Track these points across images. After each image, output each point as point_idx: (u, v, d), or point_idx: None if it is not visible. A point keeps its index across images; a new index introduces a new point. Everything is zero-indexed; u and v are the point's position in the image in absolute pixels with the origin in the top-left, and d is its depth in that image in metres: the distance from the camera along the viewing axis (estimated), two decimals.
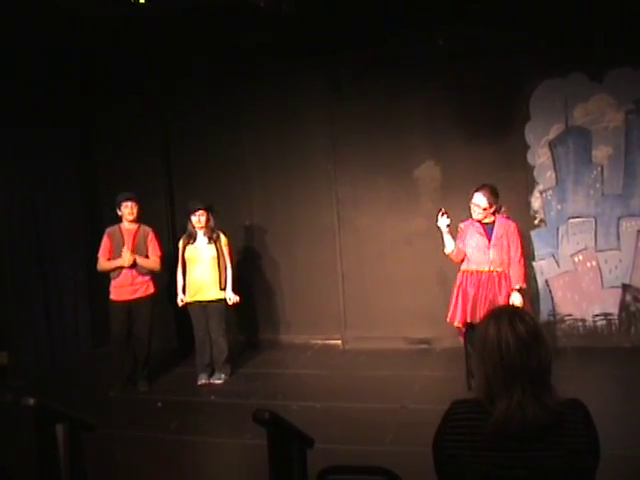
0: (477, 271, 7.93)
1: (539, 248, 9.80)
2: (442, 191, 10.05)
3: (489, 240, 7.85)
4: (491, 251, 7.84)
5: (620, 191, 9.40)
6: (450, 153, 9.93)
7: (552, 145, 9.63)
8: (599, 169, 9.51)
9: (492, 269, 7.86)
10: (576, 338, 9.61)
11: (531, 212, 9.76)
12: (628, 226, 9.47)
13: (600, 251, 9.59)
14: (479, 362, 2.67)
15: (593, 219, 9.58)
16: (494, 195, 7.91)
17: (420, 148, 10.08)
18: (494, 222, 7.92)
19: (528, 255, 9.70)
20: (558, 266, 9.78)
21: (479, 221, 7.92)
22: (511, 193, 9.52)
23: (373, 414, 7.70)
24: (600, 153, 9.48)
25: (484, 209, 7.84)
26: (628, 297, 9.55)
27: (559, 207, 9.69)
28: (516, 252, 7.88)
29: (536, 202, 9.75)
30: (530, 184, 9.70)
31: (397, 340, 10.17)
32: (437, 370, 9.08)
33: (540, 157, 9.68)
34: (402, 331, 10.19)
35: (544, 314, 9.78)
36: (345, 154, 10.37)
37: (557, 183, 9.67)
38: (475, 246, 7.92)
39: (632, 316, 9.54)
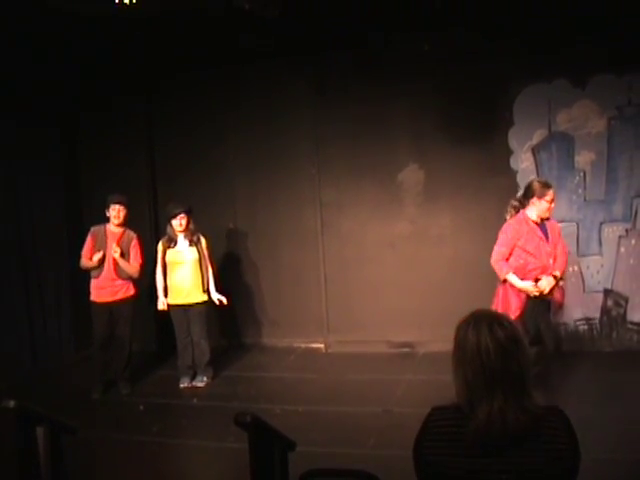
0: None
1: None
2: (425, 195, 10.09)
3: (547, 242, 7.32)
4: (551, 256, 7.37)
5: (602, 197, 9.45)
6: (434, 157, 9.96)
7: (535, 150, 9.67)
8: (582, 175, 9.56)
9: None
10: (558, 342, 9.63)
11: None
12: (610, 232, 9.52)
13: (582, 256, 9.64)
14: (458, 367, 2.66)
15: (575, 224, 9.62)
16: None
17: (404, 152, 10.10)
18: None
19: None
20: None
21: (535, 222, 7.31)
22: (494, 198, 9.56)
23: (355, 418, 7.71)
24: (583, 159, 9.53)
25: None
26: (609, 302, 9.60)
27: None
28: (564, 247, 7.56)
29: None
30: (513, 189, 9.72)
31: (380, 344, 10.17)
32: (420, 374, 9.08)
33: (523, 162, 9.72)
34: (385, 335, 10.20)
35: None
36: (329, 157, 10.38)
37: None
38: (535, 251, 7.28)
39: (613, 321, 9.59)
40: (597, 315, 9.66)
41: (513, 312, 7.09)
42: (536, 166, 9.68)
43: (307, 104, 10.32)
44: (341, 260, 10.49)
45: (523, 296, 7.19)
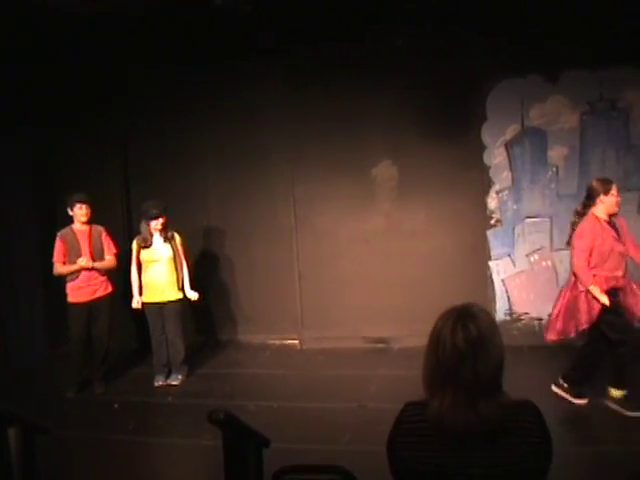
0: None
1: (495, 248, 9.89)
2: (399, 190, 10.11)
3: (619, 241, 7.19)
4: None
5: (575, 191, 9.48)
6: (408, 152, 9.98)
7: (508, 145, 9.71)
8: (554, 169, 9.61)
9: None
10: (532, 337, 9.66)
11: (487, 212, 9.84)
12: None
13: (555, 250, 9.68)
14: (424, 356, 2.67)
15: (549, 219, 9.67)
16: None
17: (378, 147, 10.10)
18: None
19: (485, 255, 9.81)
20: (514, 265, 9.88)
21: (606, 221, 7.22)
22: (468, 193, 9.63)
23: (330, 414, 7.70)
24: (555, 154, 9.59)
25: None
26: None
27: (515, 207, 9.78)
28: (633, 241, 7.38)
29: (492, 202, 9.82)
30: (486, 184, 9.78)
31: (355, 339, 10.19)
32: (394, 369, 9.10)
33: (496, 157, 9.76)
34: (360, 330, 10.22)
35: (500, 313, 9.87)
36: (302, 154, 10.35)
37: (513, 183, 9.76)
38: (610, 252, 7.12)
39: None
40: None
41: (585, 321, 7.12)
42: (509, 161, 9.72)
43: (280, 101, 10.28)
44: (315, 256, 10.49)
45: (598, 306, 7.05)
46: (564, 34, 8.93)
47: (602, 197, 7.12)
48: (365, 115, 10.01)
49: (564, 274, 9.58)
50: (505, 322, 9.77)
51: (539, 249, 9.77)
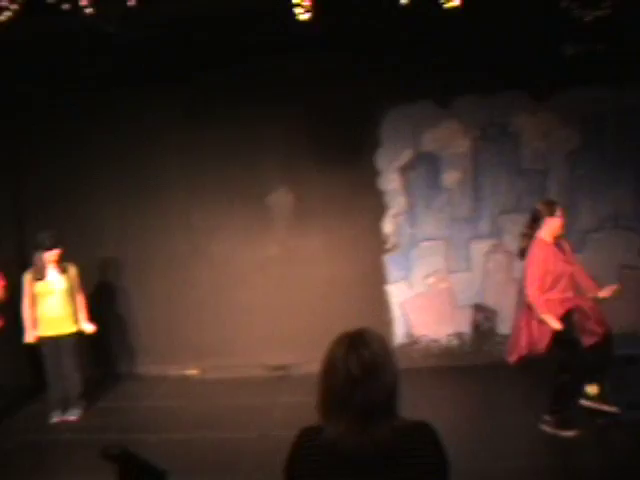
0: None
1: (392, 272, 9.99)
2: (295, 217, 10.13)
3: (567, 262, 7.27)
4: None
5: (468, 214, 9.67)
6: (303, 180, 10.02)
7: (403, 170, 9.84)
8: (448, 193, 9.78)
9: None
10: (431, 358, 9.80)
11: (384, 237, 9.93)
12: (477, 248, 9.76)
13: (451, 273, 9.84)
14: (319, 382, 2.67)
15: (444, 242, 9.82)
16: None
17: (273, 175, 10.12)
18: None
19: (382, 279, 9.90)
20: (411, 289, 9.99)
21: (553, 243, 7.26)
22: (364, 218, 9.72)
23: (232, 443, 7.64)
24: (449, 178, 9.76)
25: None
26: (479, 317, 9.82)
27: (411, 231, 9.90)
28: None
29: (388, 227, 9.93)
30: (382, 209, 9.88)
31: (255, 367, 10.12)
32: (295, 396, 9.05)
33: (391, 182, 9.88)
34: (259, 358, 10.16)
35: (399, 336, 9.95)
36: (198, 182, 10.28)
37: (408, 208, 9.88)
38: (561, 275, 7.19)
39: (483, 335, 9.82)
40: (468, 330, 9.88)
41: (542, 345, 7.09)
42: (404, 186, 9.85)
43: (175, 129, 10.20)
44: (214, 285, 10.41)
45: (552, 331, 7.03)
46: (455, 60, 9.12)
47: (547, 219, 7.16)
48: (260, 143, 10.01)
49: (460, 295, 9.78)
50: (404, 345, 9.87)
51: (435, 272, 9.91)
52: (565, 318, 7.05)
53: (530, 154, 9.62)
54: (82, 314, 8.98)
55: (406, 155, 9.83)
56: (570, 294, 7.19)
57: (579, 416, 7.17)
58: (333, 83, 9.49)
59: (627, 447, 6.85)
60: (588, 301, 7.26)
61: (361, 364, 2.56)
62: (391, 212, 9.91)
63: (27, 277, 8.87)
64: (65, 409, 8.97)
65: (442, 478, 2.63)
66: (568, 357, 7.03)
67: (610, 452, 6.82)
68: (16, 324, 9.18)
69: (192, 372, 10.50)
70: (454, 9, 6.46)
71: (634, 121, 9.40)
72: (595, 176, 9.54)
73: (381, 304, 9.98)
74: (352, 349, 2.59)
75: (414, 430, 2.65)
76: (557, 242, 7.25)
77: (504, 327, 9.55)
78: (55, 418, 8.88)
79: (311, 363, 8.98)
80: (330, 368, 2.61)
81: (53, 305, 8.81)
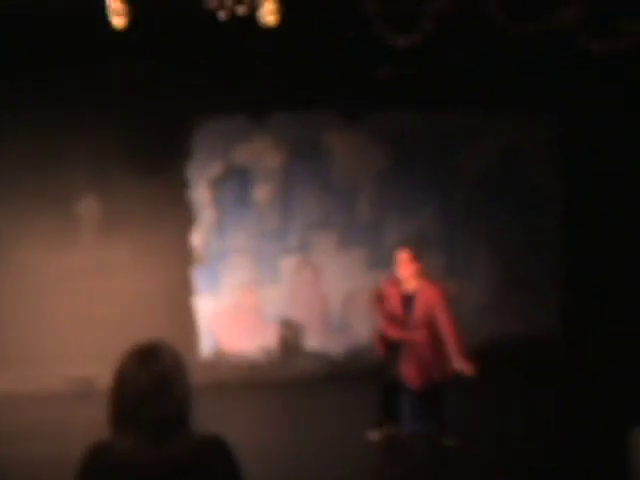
0: None
1: (200, 284, 9.91)
2: (103, 226, 9.90)
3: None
4: None
5: (277, 227, 9.75)
6: (112, 188, 9.80)
7: (213, 183, 9.81)
8: (259, 207, 9.82)
9: None
10: (239, 373, 9.78)
11: (192, 249, 9.86)
12: (286, 262, 9.84)
13: (260, 286, 9.87)
14: (109, 395, 2.61)
15: (253, 255, 9.85)
16: None
17: (81, 182, 9.84)
18: None
19: (189, 291, 9.83)
20: (219, 302, 9.94)
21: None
22: (172, 230, 9.65)
23: (30, 462, 7.32)
24: (260, 192, 9.82)
25: None
26: (287, 331, 9.89)
27: (219, 243, 9.87)
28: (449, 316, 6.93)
29: (197, 239, 9.87)
30: (191, 221, 9.81)
31: (57, 379, 9.79)
32: (98, 409, 8.78)
33: (201, 194, 9.83)
34: (63, 370, 9.84)
35: (206, 350, 9.88)
36: (4, 187, 9.87)
37: (217, 220, 9.85)
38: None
39: (290, 350, 9.89)
40: (275, 345, 9.92)
41: None
42: (214, 198, 9.82)
43: None
44: (16, 293, 9.99)
45: None
46: (271, 76, 9.20)
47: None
48: (67, 149, 9.73)
49: (268, 309, 9.84)
50: (211, 359, 9.82)
51: (244, 284, 9.92)
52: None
53: (341, 171, 9.82)
54: None
55: (217, 168, 9.80)
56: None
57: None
58: (145, 92, 9.38)
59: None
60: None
61: (150, 378, 2.53)
62: (200, 224, 9.85)
63: None
64: None
65: None
66: None
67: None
68: None
69: None
70: (271, 26, 6.50)
71: (442, 143, 9.78)
72: (403, 194, 9.84)
73: (188, 317, 9.89)
74: (142, 363, 2.56)
75: (207, 444, 2.62)
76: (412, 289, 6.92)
77: (311, 341, 9.70)
78: None
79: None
80: (119, 381, 2.57)
81: None
